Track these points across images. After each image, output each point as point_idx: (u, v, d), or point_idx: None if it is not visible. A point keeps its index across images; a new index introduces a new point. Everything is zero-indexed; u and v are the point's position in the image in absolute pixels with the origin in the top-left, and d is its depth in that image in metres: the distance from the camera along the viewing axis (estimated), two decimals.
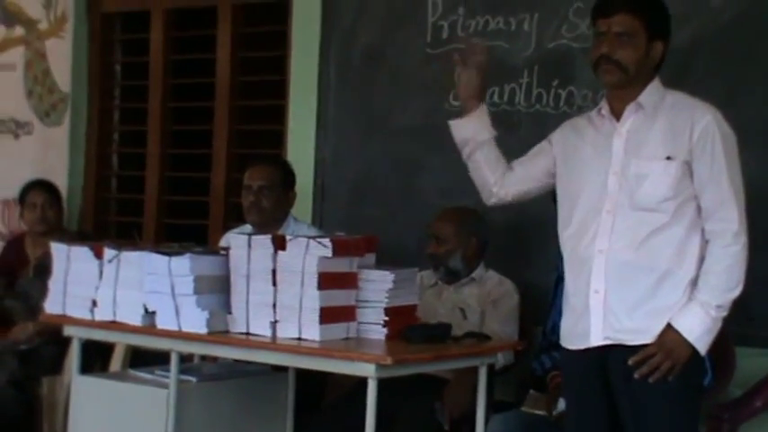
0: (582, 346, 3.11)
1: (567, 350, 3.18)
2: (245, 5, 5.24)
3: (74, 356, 3.77)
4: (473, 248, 4.14)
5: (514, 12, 4.42)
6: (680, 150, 3.01)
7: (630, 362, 3.01)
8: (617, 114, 3.12)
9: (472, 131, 3.30)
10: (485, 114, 3.31)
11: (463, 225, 4.13)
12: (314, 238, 3.35)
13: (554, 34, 4.33)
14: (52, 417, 4.69)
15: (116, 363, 4.50)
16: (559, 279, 3.86)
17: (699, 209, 3.03)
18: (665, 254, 3.01)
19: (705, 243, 3.02)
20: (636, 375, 3.00)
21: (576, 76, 4.27)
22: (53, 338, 4.44)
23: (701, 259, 3.02)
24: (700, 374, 3.09)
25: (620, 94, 3.10)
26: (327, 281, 3.29)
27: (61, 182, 5.44)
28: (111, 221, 5.70)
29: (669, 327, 3.00)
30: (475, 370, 3.52)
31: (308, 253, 3.29)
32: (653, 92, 3.09)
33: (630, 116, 3.09)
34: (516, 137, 4.23)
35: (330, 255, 3.28)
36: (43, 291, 3.83)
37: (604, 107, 3.16)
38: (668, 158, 3.01)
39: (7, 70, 5.81)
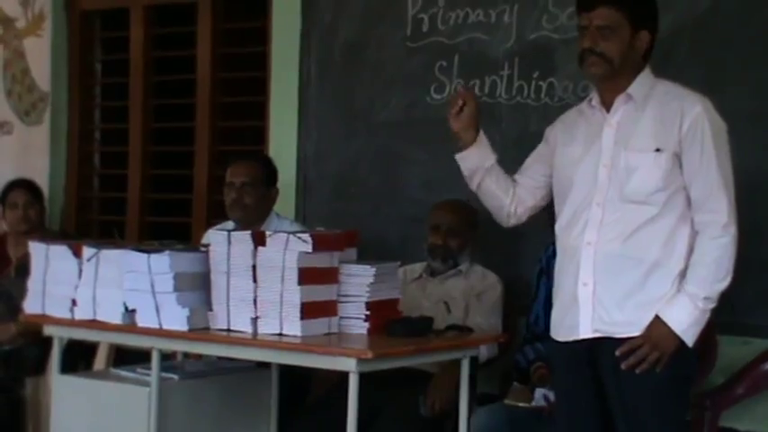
0: (570, 338, 3.10)
1: (556, 342, 3.17)
2: (226, 1, 5.22)
3: (54, 356, 3.75)
4: (476, 243, 4.13)
5: (494, 4, 4.40)
6: (669, 142, 3.00)
7: (617, 353, 3.00)
8: (607, 105, 3.11)
9: (477, 160, 3.27)
10: (484, 140, 3.29)
11: (472, 220, 4.12)
12: (294, 233, 3.33)
13: (534, 26, 4.32)
14: (37, 417, 4.67)
15: (99, 362, 4.48)
16: (542, 271, 3.87)
17: (688, 200, 3.02)
18: (653, 246, 3.00)
19: (695, 234, 3.02)
20: (623, 366, 2.99)
21: (556, 68, 4.26)
22: (36, 339, 4.40)
23: (691, 251, 3.01)
24: (688, 365, 3.08)
25: (610, 85, 3.10)
26: (308, 276, 3.27)
27: (42, 181, 5.41)
28: (94, 220, 5.68)
29: (657, 318, 2.99)
30: (458, 363, 3.50)
31: (288, 248, 3.27)
32: (643, 82, 3.08)
33: (620, 107, 3.09)
34: (498, 129, 4.23)
35: (310, 250, 3.27)
36: (25, 291, 3.80)
37: (595, 98, 3.15)
38: (658, 150, 3.00)
39: None
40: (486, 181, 3.29)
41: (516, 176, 3.33)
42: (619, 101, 3.09)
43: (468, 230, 4.12)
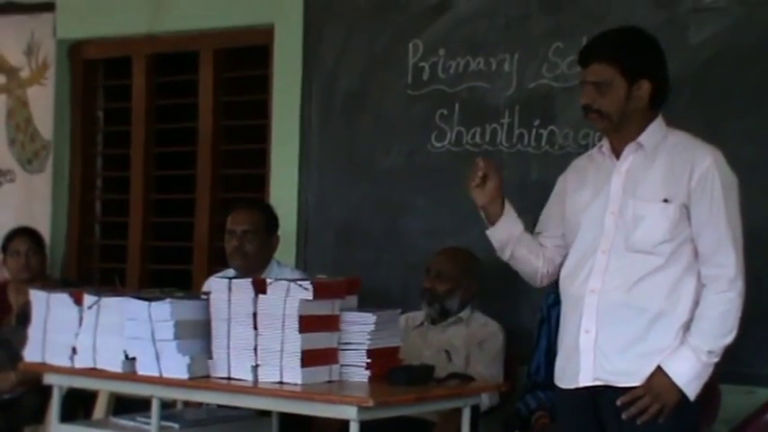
0: (572, 386, 3.08)
1: (560, 389, 3.15)
2: (228, 50, 5.26)
3: (54, 405, 3.73)
4: (471, 292, 4.13)
5: (495, 52, 4.43)
6: (678, 193, 2.99)
7: (619, 402, 2.98)
8: (617, 153, 3.11)
9: (508, 233, 3.22)
10: (511, 211, 3.24)
11: (467, 267, 4.12)
12: (295, 280, 3.33)
13: (534, 74, 4.35)
14: None
15: (99, 410, 4.45)
16: (543, 320, 3.87)
17: (695, 252, 3.01)
18: (658, 295, 2.99)
19: (701, 286, 3.00)
20: (624, 416, 2.97)
21: (557, 116, 4.28)
22: (35, 387, 4.39)
23: (696, 302, 2.99)
24: (690, 417, 3.05)
25: (618, 135, 3.09)
26: (309, 324, 3.27)
27: (44, 229, 5.42)
28: (95, 268, 5.67)
29: (659, 370, 2.97)
30: (460, 412, 3.48)
31: (288, 296, 3.27)
32: (654, 131, 3.07)
33: (630, 155, 3.08)
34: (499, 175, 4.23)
35: (311, 297, 3.27)
36: (26, 339, 3.79)
37: (605, 144, 3.15)
38: (665, 201, 2.99)
39: None
40: (518, 249, 3.24)
41: (538, 237, 3.28)
42: (628, 149, 3.08)
43: (460, 277, 4.11)
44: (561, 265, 3.22)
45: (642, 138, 3.07)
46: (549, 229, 3.27)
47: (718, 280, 2.97)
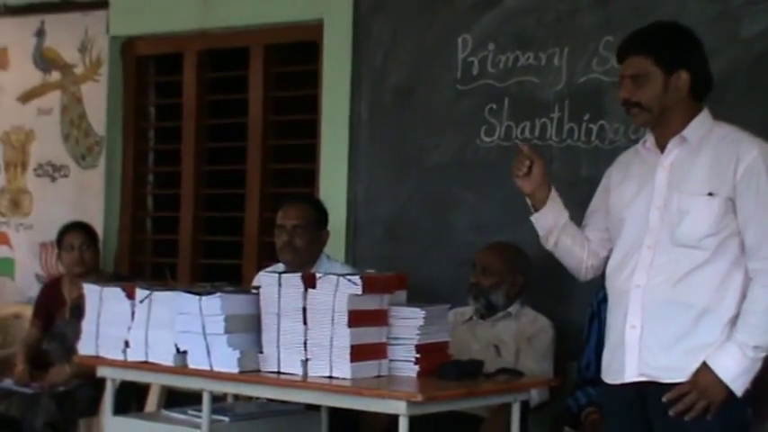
0: (618, 381, 3.08)
1: (607, 384, 3.14)
2: (277, 46, 5.28)
3: (107, 397, 3.78)
4: (517, 287, 4.12)
5: (544, 47, 4.41)
6: (723, 186, 2.97)
7: (665, 399, 2.97)
8: (661, 147, 3.10)
9: (552, 219, 3.24)
10: (557, 197, 3.26)
11: (513, 262, 4.12)
12: (344, 275, 3.34)
13: (584, 68, 4.32)
14: None
15: (151, 403, 4.51)
16: (593, 316, 3.85)
17: (742, 245, 2.99)
18: (704, 291, 2.97)
19: (748, 281, 2.98)
20: (671, 412, 2.96)
21: (607, 110, 4.25)
22: (89, 380, 4.46)
23: (743, 297, 2.97)
24: (740, 413, 3.03)
25: (662, 129, 3.08)
26: (358, 318, 3.28)
27: (97, 223, 5.49)
28: (147, 262, 5.73)
29: (705, 366, 2.95)
30: (509, 407, 3.48)
31: (338, 291, 3.28)
32: (700, 125, 3.05)
33: (674, 149, 3.07)
34: (549, 172, 4.20)
35: (360, 292, 3.28)
36: (79, 332, 3.84)
37: (649, 139, 3.14)
38: (710, 194, 2.97)
39: (45, 115, 5.89)
40: (562, 238, 3.25)
41: (584, 230, 3.28)
42: (673, 143, 3.07)
43: (505, 271, 4.10)
44: (606, 259, 3.21)
45: (686, 131, 3.05)
46: (593, 223, 3.27)
47: (764, 273, 2.94)
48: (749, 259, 2.97)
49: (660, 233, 3.03)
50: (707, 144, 3.03)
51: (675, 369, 2.98)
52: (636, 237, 3.07)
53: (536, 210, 3.25)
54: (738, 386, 2.95)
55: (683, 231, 2.99)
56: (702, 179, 3.00)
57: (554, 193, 3.25)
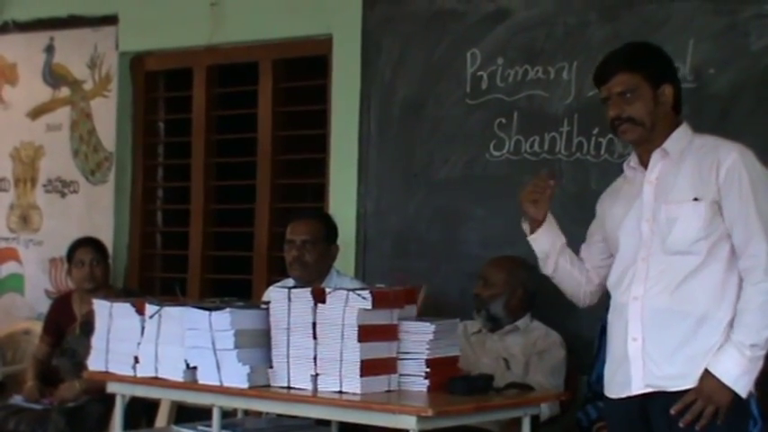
0: (623, 395, 3.09)
1: (610, 399, 3.15)
2: (286, 61, 5.30)
3: (117, 413, 3.78)
4: (518, 298, 4.13)
5: (553, 61, 4.42)
6: (708, 191, 3.01)
7: (673, 411, 2.97)
8: (645, 163, 3.15)
9: (550, 242, 3.30)
10: (552, 220, 3.32)
11: (513, 274, 4.13)
12: (354, 290, 3.34)
13: (593, 82, 4.30)
14: None
15: (161, 419, 4.51)
16: (603, 330, 3.82)
17: (734, 248, 3.01)
18: (701, 297, 2.99)
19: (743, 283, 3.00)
20: (681, 424, 2.96)
21: None
22: (99, 396, 4.45)
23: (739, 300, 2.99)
24: (747, 415, 3.06)
25: (646, 145, 3.13)
26: (368, 333, 3.27)
27: (107, 239, 5.49)
28: (157, 278, 5.73)
29: (706, 372, 2.97)
30: (519, 422, 3.47)
31: (347, 305, 3.28)
32: (680, 137, 3.11)
33: (657, 163, 3.11)
34: (558, 185, 4.20)
35: (370, 307, 3.27)
36: (89, 348, 3.84)
37: (633, 159, 3.19)
38: (696, 200, 3.01)
39: (54, 130, 5.91)
40: (561, 262, 3.31)
41: (581, 257, 3.34)
42: (655, 157, 3.11)
43: (505, 282, 4.13)
44: (601, 286, 3.28)
45: (667, 144, 3.10)
46: (588, 250, 3.33)
47: (752, 271, 2.97)
48: (739, 259, 3.00)
49: (652, 244, 3.06)
50: (688, 155, 3.08)
51: (681, 376, 2.99)
52: (631, 251, 3.11)
53: (531, 231, 3.31)
54: (742, 387, 2.96)
55: (673, 238, 3.02)
56: (686, 187, 3.04)
57: (550, 216, 3.31)
